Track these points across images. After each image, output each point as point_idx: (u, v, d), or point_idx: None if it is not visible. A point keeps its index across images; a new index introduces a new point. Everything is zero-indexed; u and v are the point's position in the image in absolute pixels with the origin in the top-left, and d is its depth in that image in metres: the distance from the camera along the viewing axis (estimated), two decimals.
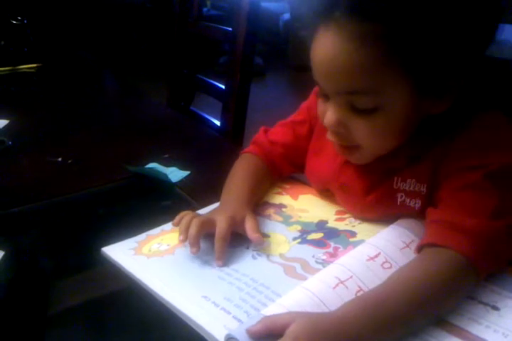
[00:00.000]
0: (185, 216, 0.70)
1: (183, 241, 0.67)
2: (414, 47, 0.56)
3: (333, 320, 0.52)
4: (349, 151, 0.68)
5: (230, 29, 1.30)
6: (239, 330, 0.52)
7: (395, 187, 0.68)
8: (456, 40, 0.57)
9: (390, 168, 0.69)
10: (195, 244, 0.66)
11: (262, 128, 0.89)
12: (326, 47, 0.59)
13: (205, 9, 3.83)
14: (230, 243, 0.68)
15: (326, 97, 0.64)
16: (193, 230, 0.66)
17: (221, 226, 0.67)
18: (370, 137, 0.63)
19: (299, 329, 0.50)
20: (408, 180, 0.67)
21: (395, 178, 0.68)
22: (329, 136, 0.67)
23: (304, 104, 0.86)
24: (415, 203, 0.67)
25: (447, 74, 0.59)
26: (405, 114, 0.62)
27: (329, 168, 0.77)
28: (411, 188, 0.67)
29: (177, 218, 0.71)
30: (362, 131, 0.63)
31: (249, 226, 0.69)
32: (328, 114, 0.63)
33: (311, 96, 0.84)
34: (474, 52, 0.60)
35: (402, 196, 0.68)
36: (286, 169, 0.86)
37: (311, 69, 0.63)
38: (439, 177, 0.65)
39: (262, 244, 0.68)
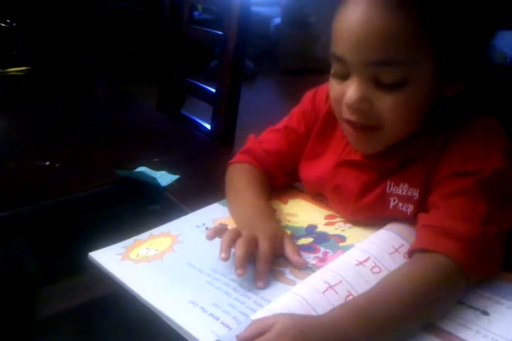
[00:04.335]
0: (223, 231, 0.65)
1: (226, 259, 0.62)
2: (444, 24, 0.57)
3: (323, 321, 0.52)
4: (365, 134, 0.66)
5: (221, 33, 1.30)
6: (228, 336, 0.52)
7: (387, 191, 0.69)
8: (475, 25, 0.59)
9: (384, 169, 0.69)
10: (243, 265, 0.61)
11: (251, 136, 0.86)
12: (358, 14, 0.59)
13: (196, 13, 3.83)
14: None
15: (345, 77, 0.63)
16: (241, 251, 0.62)
17: (265, 246, 0.63)
18: (394, 113, 0.62)
19: (284, 325, 0.50)
20: (401, 185, 0.68)
21: (388, 182, 0.69)
22: (347, 116, 0.65)
23: (296, 110, 0.84)
24: (407, 208, 0.67)
25: (464, 59, 0.61)
26: (427, 92, 0.62)
27: (325, 170, 0.76)
28: (403, 193, 0.67)
29: (211, 231, 0.66)
30: (387, 106, 0.61)
31: (290, 251, 0.66)
32: (351, 90, 0.62)
33: (304, 102, 0.84)
34: (485, 42, 0.63)
35: (394, 200, 0.68)
36: (281, 179, 0.84)
37: (334, 44, 0.63)
38: (432, 182, 0.65)
39: (305, 269, 0.64)
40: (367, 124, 0.64)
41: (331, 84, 0.67)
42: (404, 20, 0.57)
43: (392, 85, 0.60)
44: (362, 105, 0.62)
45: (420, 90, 0.61)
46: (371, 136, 0.66)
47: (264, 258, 0.63)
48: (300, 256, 0.66)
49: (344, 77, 0.64)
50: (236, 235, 0.64)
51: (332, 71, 0.66)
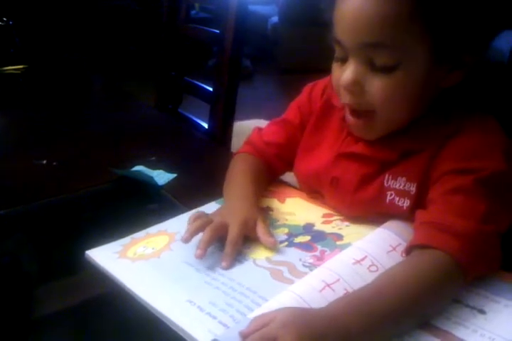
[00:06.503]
0: (198, 218, 0.69)
1: (187, 240, 0.66)
2: (439, 9, 0.58)
3: (323, 314, 0.52)
4: (362, 121, 0.67)
5: (218, 32, 1.30)
6: (225, 335, 0.52)
7: (385, 185, 0.69)
8: (476, 14, 0.60)
9: (383, 162, 0.69)
10: (204, 248, 0.65)
11: (255, 128, 0.89)
12: None
13: (193, 12, 3.82)
14: (218, 247, 0.68)
15: (344, 60, 0.65)
16: (206, 235, 0.66)
17: (234, 231, 0.67)
18: (386, 97, 0.63)
19: (286, 317, 0.50)
20: (398, 178, 0.68)
21: (386, 176, 0.69)
22: (343, 99, 0.67)
23: (294, 103, 0.86)
24: (404, 202, 0.68)
25: (462, 47, 0.61)
26: (421, 77, 0.62)
27: (322, 162, 0.77)
28: (400, 187, 0.68)
29: (191, 218, 0.70)
30: (379, 90, 0.63)
31: (261, 232, 0.69)
32: (347, 72, 0.63)
33: (302, 95, 0.85)
34: (487, 34, 0.63)
35: (391, 194, 0.68)
36: (281, 169, 0.87)
37: (334, 29, 0.64)
38: (430, 177, 0.66)
39: (275, 248, 0.68)
40: (361, 109, 0.66)
41: (333, 68, 0.69)
42: (398, 4, 0.58)
43: (385, 68, 0.61)
44: (356, 87, 0.63)
45: (413, 74, 0.62)
46: (368, 122, 0.67)
47: (230, 242, 0.66)
48: (270, 236, 0.68)
49: (343, 60, 0.65)
50: (207, 222, 0.67)
51: (335, 55, 0.67)
